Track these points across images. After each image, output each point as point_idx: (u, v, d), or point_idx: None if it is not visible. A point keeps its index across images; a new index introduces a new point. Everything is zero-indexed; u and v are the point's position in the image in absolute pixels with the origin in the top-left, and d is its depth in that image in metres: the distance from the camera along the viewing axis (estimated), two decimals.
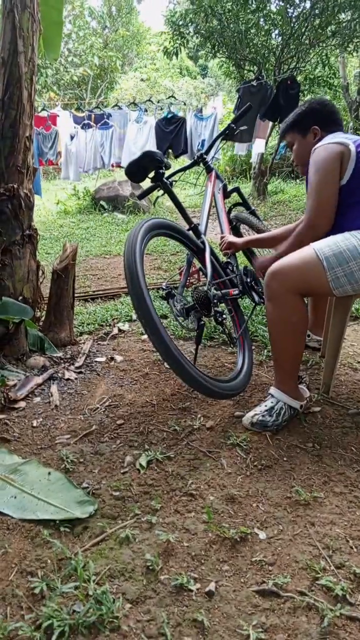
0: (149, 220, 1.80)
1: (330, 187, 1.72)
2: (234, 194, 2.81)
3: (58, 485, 1.48)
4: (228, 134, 2.59)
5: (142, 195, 2.10)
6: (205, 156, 2.58)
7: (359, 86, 9.88)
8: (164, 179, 2.03)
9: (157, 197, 2.18)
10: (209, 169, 2.62)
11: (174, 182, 2.16)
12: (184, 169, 2.53)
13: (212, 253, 2.14)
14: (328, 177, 1.72)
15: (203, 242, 2.12)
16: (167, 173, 2.10)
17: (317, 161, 1.74)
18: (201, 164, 2.60)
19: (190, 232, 2.14)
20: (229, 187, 2.74)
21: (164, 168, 2.01)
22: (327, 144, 1.74)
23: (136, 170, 2.00)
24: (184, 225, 2.18)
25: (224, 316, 2.01)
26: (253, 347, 2.35)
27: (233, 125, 2.56)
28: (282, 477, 1.50)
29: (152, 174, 2.01)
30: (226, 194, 2.67)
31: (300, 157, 1.99)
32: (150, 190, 2.08)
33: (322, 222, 1.74)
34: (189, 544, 1.26)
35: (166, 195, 2.09)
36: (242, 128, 2.61)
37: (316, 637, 1.01)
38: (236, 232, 2.67)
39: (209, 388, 1.68)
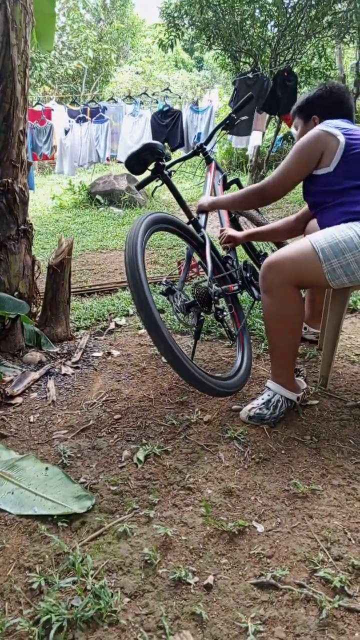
0: (149, 215, 1.78)
1: (298, 168, 1.78)
2: (234, 186, 2.78)
3: (55, 481, 1.47)
4: (229, 124, 2.56)
5: (141, 186, 2.09)
6: (204, 147, 2.55)
7: (356, 77, 9.82)
8: (164, 171, 2.02)
9: (156, 188, 2.16)
10: (208, 160, 2.59)
11: (172, 172, 2.14)
12: (183, 159, 2.51)
13: (212, 247, 2.13)
14: (301, 159, 1.76)
15: (203, 236, 2.10)
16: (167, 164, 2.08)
17: (302, 142, 1.76)
18: (200, 155, 2.58)
19: (190, 226, 2.12)
20: (229, 179, 2.71)
21: (164, 160, 2.00)
22: (317, 130, 1.74)
23: (136, 162, 1.98)
24: (183, 218, 2.16)
25: (225, 313, 2.00)
26: (251, 341, 2.34)
27: (234, 115, 2.53)
28: (279, 470, 1.50)
29: (152, 166, 1.99)
30: (226, 186, 2.65)
31: None
32: (148, 181, 2.06)
33: (274, 192, 1.84)
34: (187, 538, 1.26)
35: (163, 187, 2.08)
36: (242, 118, 2.59)
37: (315, 629, 1.01)
38: (235, 224, 2.65)
39: (208, 386, 1.67)
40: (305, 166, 1.76)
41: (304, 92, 2.02)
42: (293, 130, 2.09)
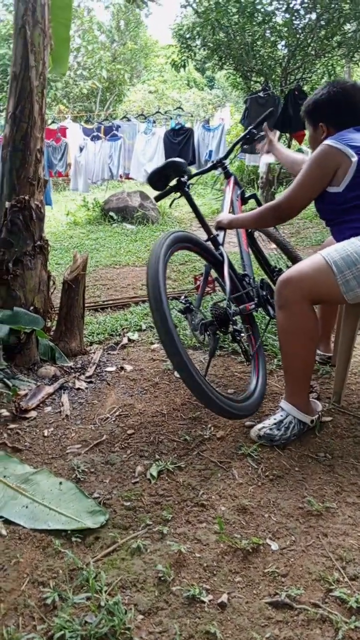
0: (171, 235, 1.79)
1: (312, 189, 1.78)
2: (252, 201, 2.79)
3: (69, 495, 1.48)
4: (248, 139, 2.59)
5: (159, 198, 2.11)
6: (224, 161, 2.58)
7: None
8: (185, 188, 2.04)
9: (174, 200, 2.18)
10: (227, 175, 2.60)
11: (190, 185, 2.15)
12: (202, 172, 2.54)
13: (231, 265, 2.13)
14: (314, 180, 1.76)
15: (222, 254, 2.11)
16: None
17: (317, 159, 1.75)
18: (219, 169, 2.60)
19: (209, 243, 2.13)
20: (246, 194, 2.73)
21: (186, 177, 2.03)
22: (333, 148, 1.71)
23: (158, 178, 2.02)
24: (199, 233, 2.17)
25: (242, 334, 2.01)
26: (266, 361, 2.33)
27: (254, 131, 2.56)
28: (293, 488, 1.49)
29: (173, 182, 2.02)
30: (244, 201, 2.67)
31: (312, 146, 1.97)
32: (167, 193, 2.08)
33: (287, 212, 1.84)
34: (201, 555, 1.25)
35: (175, 205, 2.10)
36: (262, 134, 2.61)
37: None
38: (251, 239, 2.66)
39: (226, 410, 1.67)
40: (320, 183, 1.76)
41: (328, 83, 1.93)
42: (304, 147, 2.10)
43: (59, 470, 1.64)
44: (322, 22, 7.15)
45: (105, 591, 1.14)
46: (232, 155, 2.70)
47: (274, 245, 2.81)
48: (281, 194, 1.84)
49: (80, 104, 16.38)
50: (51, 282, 2.57)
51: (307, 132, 2.03)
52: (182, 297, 1.91)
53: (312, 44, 7.50)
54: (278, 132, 2.46)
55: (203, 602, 1.12)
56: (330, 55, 7.88)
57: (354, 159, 1.68)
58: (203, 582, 1.18)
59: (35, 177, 2.46)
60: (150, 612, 1.10)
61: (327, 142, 1.74)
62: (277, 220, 1.91)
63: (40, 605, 1.13)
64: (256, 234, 2.75)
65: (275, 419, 1.73)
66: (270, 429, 1.71)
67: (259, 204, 2.78)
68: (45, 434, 1.88)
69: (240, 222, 2.14)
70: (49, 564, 1.24)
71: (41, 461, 1.71)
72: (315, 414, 1.79)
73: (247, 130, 2.60)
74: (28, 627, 1.08)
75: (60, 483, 1.53)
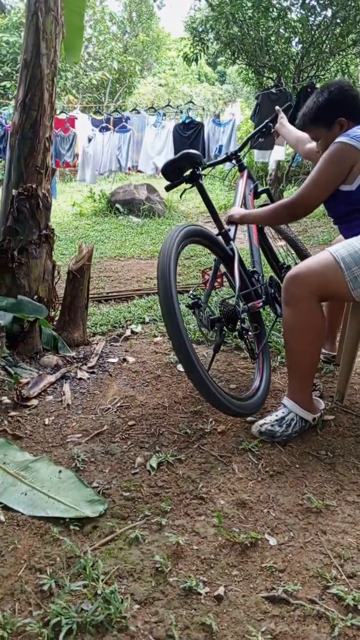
0: (183, 229, 1.78)
1: (327, 186, 1.75)
2: (264, 195, 2.77)
3: (68, 484, 1.48)
4: (265, 132, 2.57)
5: (170, 187, 2.08)
6: (238, 154, 2.55)
7: None
8: (199, 180, 2.03)
9: (185, 190, 2.15)
10: (241, 168, 2.56)
11: (203, 176, 2.13)
12: (215, 163, 2.51)
13: (241, 262, 2.12)
14: (330, 178, 1.73)
15: (232, 250, 2.09)
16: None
17: (332, 156, 1.72)
18: (234, 161, 2.57)
19: (220, 238, 2.11)
20: (259, 189, 2.70)
21: (200, 169, 2.01)
22: (348, 145, 1.69)
23: (172, 169, 2.00)
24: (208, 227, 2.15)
25: (249, 333, 1.99)
26: (270, 360, 2.31)
27: (271, 125, 2.54)
28: (293, 484, 1.49)
29: (188, 173, 2.00)
30: (256, 195, 2.65)
31: (323, 149, 1.88)
32: (179, 183, 2.06)
33: (302, 210, 1.82)
34: (199, 547, 1.25)
35: (183, 199, 2.08)
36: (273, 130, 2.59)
37: None
38: (261, 234, 2.65)
39: (227, 406, 1.66)
40: (336, 181, 1.73)
41: (323, 86, 1.89)
42: (313, 144, 2.05)
43: (59, 458, 1.64)
44: (338, 20, 7.09)
45: (102, 580, 1.14)
46: (246, 149, 2.66)
47: (282, 242, 2.80)
48: (295, 192, 1.82)
49: (89, 94, 16.33)
50: (56, 272, 2.57)
51: (315, 140, 1.95)
52: (190, 291, 1.90)
53: (326, 41, 7.45)
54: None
55: (200, 594, 1.12)
56: (344, 53, 7.82)
57: None
58: (200, 574, 1.17)
59: (43, 166, 2.45)
60: (147, 602, 1.10)
61: (341, 139, 1.71)
62: (290, 218, 1.88)
63: (37, 592, 1.13)
64: (266, 229, 2.73)
65: (277, 416, 1.73)
66: (272, 425, 1.70)
67: (271, 199, 2.76)
68: (46, 423, 1.88)
69: (253, 218, 2.11)
70: (46, 551, 1.25)
71: (41, 449, 1.71)
72: (318, 412, 1.78)
73: (264, 123, 2.57)
74: (24, 613, 1.08)
75: (60, 471, 1.53)
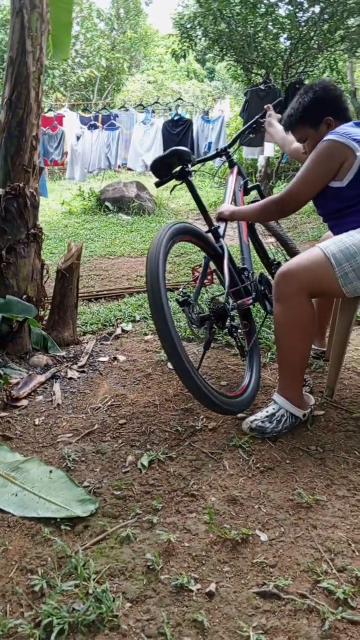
0: (172, 226, 1.77)
1: (316, 183, 1.76)
2: (254, 192, 2.76)
3: (59, 484, 1.47)
4: (255, 128, 2.57)
5: (160, 184, 2.08)
6: (228, 150, 2.54)
7: None
8: (189, 177, 2.02)
9: (175, 186, 2.15)
10: (231, 164, 2.56)
11: (193, 173, 2.13)
12: (205, 159, 2.51)
13: (230, 259, 2.12)
14: (319, 175, 1.74)
15: (222, 247, 2.08)
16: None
17: (322, 153, 1.72)
18: (223, 157, 2.57)
19: (210, 235, 2.11)
20: (249, 185, 2.70)
21: (189, 166, 2.01)
22: (337, 142, 1.69)
23: (161, 166, 1.99)
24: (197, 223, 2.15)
25: (239, 331, 1.99)
26: (260, 357, 2.32)
27: (261, 121, 2.54)
28: (284, 480, 1.50)
29: (177, 169, 2.00)
30: (246, 191, 2.64)
31: (311, 148, 1.87)
32: (168, 180, 2.05)
33: (291, 206, 1.83)
34: (190, 545, 1.25)
35: (173, 196, 2.08)
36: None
37: None
38: (252, 231, 2.65)
39: (216, 404, 1.66)
40: (325, 177, 1.74)
41: (306, 87, 1.89)
42: (299, 144, 2.05)
43: (50, 458, 1.64)
44: (326, 16, 7.08)
45: (94, 579, 1.14)
46: (236, 145, 2.65)
47: (272, 239, 2.80)
48: (285, 188, 1.83)
49: (77, 92, 16.24)
50: (45, 271, 2.55)
51: (301, 141, 1.95)
52: (180, 289, 1.90)
53: (314, 38, 7.45)
54: (279, 115, 2.42)
55: (191, 591, 1.12)
56: (332, 49, 7.83)
57: (359, 153, 1.67)
58: (191, 571, 1.18)
59: (30, 165, 2.43)
60: (138, 600, 1.10)
61: (330, 137, 1.72)
62: (280, 214, 1.90)
63: (28, 592, 1.13)
64: (256, 225, 2.73)
65: (267, 412, 1.73)
66: (262, 422, 1.71)
67: (261, 195, 2.76)
68: (36, 423, 1.87)
69: (242, 214, 2.12)
70: (37, 552, 1.24)
71: (31, 450, 1.70)
72: (308, 407, 1.79)
73: (254, 119, 2.57)
74: (16, 614, 1.08)
75: (51, 471, 1.53)
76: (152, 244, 1.67)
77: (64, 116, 8.36)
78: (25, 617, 1.06)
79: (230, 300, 1.97)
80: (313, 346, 2.38)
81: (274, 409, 1.74)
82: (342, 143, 1.69)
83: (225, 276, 1.97)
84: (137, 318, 3.03)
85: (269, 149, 7.36)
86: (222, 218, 2.19)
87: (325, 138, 1.74)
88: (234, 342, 2.13)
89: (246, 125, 2.61)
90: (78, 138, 8.09)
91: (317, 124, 1.84)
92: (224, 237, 2.15)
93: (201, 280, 1.97)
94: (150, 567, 1.18)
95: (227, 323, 1.91)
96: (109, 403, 2.01)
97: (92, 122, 8.16)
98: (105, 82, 16.99)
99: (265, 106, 2.51)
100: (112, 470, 1.57)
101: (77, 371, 2.31)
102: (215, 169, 6.11)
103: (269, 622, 1.04)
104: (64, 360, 2.42)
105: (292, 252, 2.72)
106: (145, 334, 2.77)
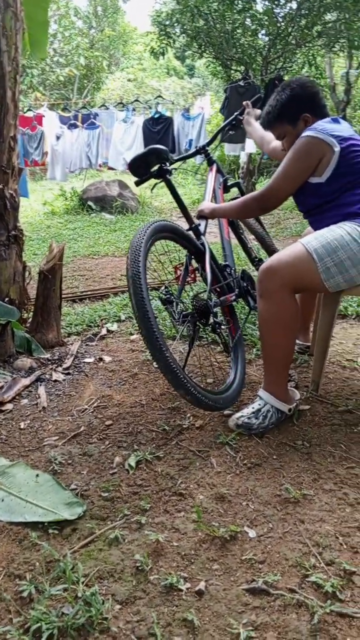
0: (152, 225, 1.77)
1: (296, 179, 1.77)
2: (234, 189, 2.76)
3: (46, 487, 1.46)
4: (235, 125, 2.57)
5: (139, 183, 2.06)
6: (207, 148, 2.54)
7: (346, 86, 9.94)
8: (167, 175, 2.01)
9: (155, 184, 2.14)
10: (210, 162, 2.55)
11: (173, 171, 2.11)
12: (184, 158, 2.50)
13: (212, 256, 2.11)
14: (298, 171, 1.75)
15: (203, 244, 2.08)
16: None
17: (300, 149, 1.73)
18: (202, 155, 2.56)
19: (191, 233, 2.11)
20: (229, 182, 2.69)
21: (168, 164, 2.00)
22: (315, 138, 1.70)
23: (139, 164, 1.98)
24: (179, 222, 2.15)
25: (222, 327, 1.99)
26: (245, 353, 2.33)
27: (240, 117, 2.54)
28: (271, 475, 1.50)
29: (155, 168, 1.99)
30: (226, 189, 2.64)
31: (289, 146, 1.87)
32: (148, 178, 2.04)
33: (271, 202, 1.84)
34: (179, 544, 1.25)
35: (155, 194, 2.07)
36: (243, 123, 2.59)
37: (306, 634, 1.01)
38: (234, 228, 2.65)
39: (202, 401, 1.66)
40: (304, 173, 1.75)
41: (284, 84, 1.89)
42: (278, 142, 2.05)
43: (36, 462, 1.62)
44: (303, 11, 7.12)
45: (83, 582, 1.14)
46: (216, 142, 2.65)
47: (252, 236, 2.81)
48: (264, 185, 1.83)
49: (57, 91, 16.10)
50: (27, 273, 2.52)
51: (280, 137, 1.95)
52: (163, 287, 1.90)
53: (292, 33, 7.48)
54: (259, 111, 2.42)
55: (181, 590, 1.12)
56: (310, 44, 7.87)
57: (337, 148, 1.68)
58: (181, 570, 1.18)
59: (9, 166, 2.40)
60: (128, 602, 1.10)
61: (307, 133, 1.73)
62: (260, 211, 1.90)
63: (17, 599, 1.12)
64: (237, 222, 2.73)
65: (253, 408, 1.74)
66: (249, 418, 1.71)
67: (241, 192, 2.77)
68: (22, 427, 1.85)
69: (223, 211, 2.11)
70: (25, 557, 1.23)
71: (17, 454, 1.68)
72: (293, 402, 1.80)
73: (233, 116, 2.57)
74: (4, 621, 1.07)
75: (37, 475, 1.51)
76: (131, 244, 1.66)
77: (43, 116, 8.28)
78: (14, 624, 1.05)
79: (213, 297, 1.97)
80: (298, 341, 2.39)
81: (259, 404, 1.74)
82: (320, 139, 1.70)
83: (207, 273, 1.97)
84: (123, 318, 3.02)
85: (251, 145, 7.38)
86: (202, 216, 2.19)
87: (303, 134, 1.75)
88: (219, 339, 2.14)
89: (225, 122, 2.61)
90: (58, 138, 8.02)
91: (294, 120, 1.85)
92: (205, 235, 2.15)
93: (183, 278, 1.97)
94: (140, 568, 1.18)
95: (210, 320, 1.91)
96: (95, 404, 1.99)
97: (72, 122, 8.10)
98: (85, 81, 16.87)
99: (244, 103, 2.51)
100: (99, 472, 1.56)
101: (62, 373, 2.29)
102: (197, 166, 6.12)
103: (259, 618, 1.05)
104: (49, 362, 2.40)
105: (269, 250, 2.73)
106: (131, 334, 2.76)
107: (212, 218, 2.19)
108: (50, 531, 1.31)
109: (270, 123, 1.91)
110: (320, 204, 1.79)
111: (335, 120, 1.81)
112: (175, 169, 2.26)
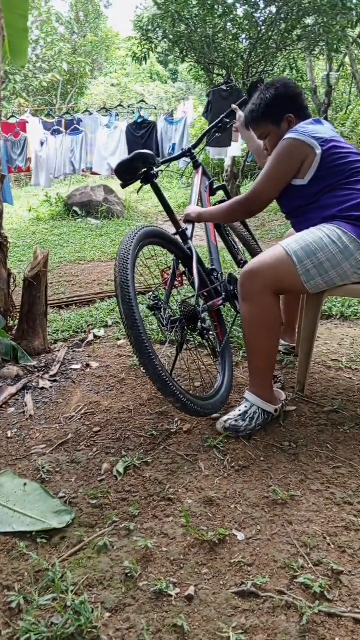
0: (140, 230, 1.77)
1: (279, 181, 1.79)
2: (220, 192, 2.77)
3: (34, 496, 1.45)
4: (221, 127, 2.58)
5: (125, 185, 2.06)
6: (192, 150, 2.53)
7: (327, 88, 10.06)
8: (154, 180, 2.02)
9: (141, 187, 2.13)
10: (196, 165, 2.55)
11: (159, 173, 2.11)
12: (170, 160, 2.50)
13: (199, 261, 2.12)
14: (281, 174, 1.77)
15: (190, 249, 2.08)
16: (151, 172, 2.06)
17: (283, 152, 1.75)
18: (188, 158, 2.56)
19: (178, 237, 2.11)
20: (215, 185, 2.70)
21: (154, 169, 2.00)
22: (298, 140, 1.72)
23: (126, 169, 1.98)
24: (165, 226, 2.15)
25: (210, 332, 2.00)
26: (232, 357, 2.33)
27: (227, 120, 2.55)
28: (259, 477, 1.51)
29: (142, 172, 1.99)
30: (212, 192, 2.65)
31: (272, 147, 1.90)
32: (134, 181, 2.04)
33: (256, 206, 1.85)
34: (168, 549, 1.25)
35: (142, 198, 2.07)
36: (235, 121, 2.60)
37: (296, 635, 1.01)
38: (221, 232, 2.66)
39: (190, 407, 1.66)
40: (287, 175, 1.76)
41: (266, 84, 1.92)
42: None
43: (24, 471, 1.61)
44: (282, 16, 7.19)
45: (72, 591, 1.13)
46: (201, 145, 2.65)
47: (237, 239, 2.82)
48: (249, 188, 1.84)
49: (40, 97, 16.04)
50: (12, 280, 2.51)
51: (262, 137, 1.96)
52: (150, 293, 1.90)
53: (273, 37, 7.54)
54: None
55: (170, 595, 1.12)
56: (291, 48, 7.94)
57: (318, 151, 1.70)
58: (170, 575, 1.18)
59: None
60: (117, 609, 1.10)
61: (290, 135, 1.75)
62: (246, 215, 1.92)
63: (5, 610, 1.11)
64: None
65: (240, 410, 1.75)
66: (236, 420, 1.72)
67: (227, 195, 2.78)
68: (9, 435, 1.84)
69: (209, 216, 2.12)
70: (14, 567, 1.22)
71: (5, 463, 1.67)
72: (279, 403, 1.81)
73: (219, 118, 2.58)
74: None
75: (25, 484, 1.51)
76: (119, 251, 1.66)
77: (27, 122, 8.25)
78: (2, 636, 1.04)
79: (201, 302, 1.98)
80: (284, 342, 2.41)
81: (246, 407, 1.75)
82: (302, 141, 1.72)
83: (195, 278, 1.98)
84: (110, 323, 3.01)
85: (236, 149, 7.43)
86: (189, 220, 2.20)
87: (285, 137, 1.76)
88: (206, 343, 2.14)
89: (211, 125, 2.62)
90: (42, 144, 8.00)
91: (278, 120, 1.87)
92: (192, 239, 2.15)
93: (171, 283, 1.97)
94: (129, 574, 1.18)
95: (198, 325, 1.91)
96: (82, 411, 1.99)
97: (56, 128, 8.08)
98: (69, 87, 16.83)
99: (233, 106, 2.52)
100: (87, 480, 1.55)
101: (49, 380, 2.28)
102: (181, 170, 6.13)
103: (249, 621, 1.05)
104: (35, 370, 2.39)
105: (254, 254, 2.75)
106: (118, 339, 2.76)
107: (199, 222, 2.20)
108: (39, 540, 1.30)
109: (255, 121, 1.93)
110: (302, 205, 1.81)
111: (318, 122, 1.83)
112: (162, 171, 2.26)
